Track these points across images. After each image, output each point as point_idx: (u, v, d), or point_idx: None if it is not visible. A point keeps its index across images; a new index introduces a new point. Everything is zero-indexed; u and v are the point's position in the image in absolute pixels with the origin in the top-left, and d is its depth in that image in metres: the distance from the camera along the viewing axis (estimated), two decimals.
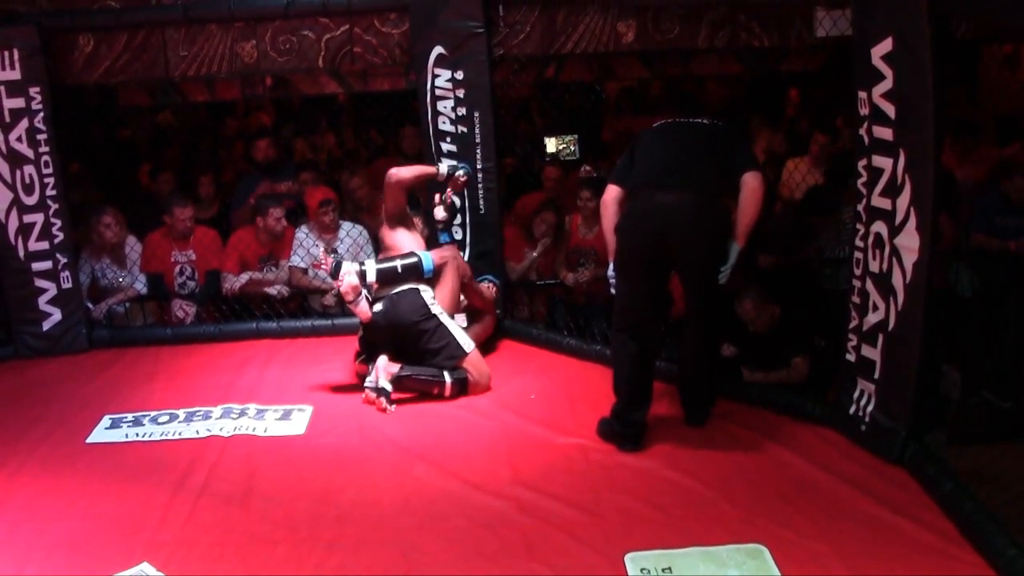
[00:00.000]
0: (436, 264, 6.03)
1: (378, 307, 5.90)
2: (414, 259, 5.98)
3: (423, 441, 5.25)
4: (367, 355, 6.04)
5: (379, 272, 5.92)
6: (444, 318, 5.91)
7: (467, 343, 5.89)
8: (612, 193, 5.24)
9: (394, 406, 5.60)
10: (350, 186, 7.98)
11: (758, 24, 6.11)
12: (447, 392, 5.72)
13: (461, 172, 6.34)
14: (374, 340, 5.99)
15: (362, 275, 5.85)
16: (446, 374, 5.73)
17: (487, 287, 6.55)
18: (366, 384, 5.72)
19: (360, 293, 5.81)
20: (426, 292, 5.95)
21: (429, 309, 5.88)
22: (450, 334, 5.86)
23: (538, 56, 6.73)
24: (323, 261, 5.88)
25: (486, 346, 6.39)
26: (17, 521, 4.54)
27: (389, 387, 5.62)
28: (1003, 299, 6.58)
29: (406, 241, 6.13)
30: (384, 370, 5.63)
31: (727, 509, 4.40)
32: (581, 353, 6.32)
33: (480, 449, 5.14)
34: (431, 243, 6.38)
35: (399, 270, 5.94)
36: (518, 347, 6.64)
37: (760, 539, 4.12)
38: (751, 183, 4.93)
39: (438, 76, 6.59)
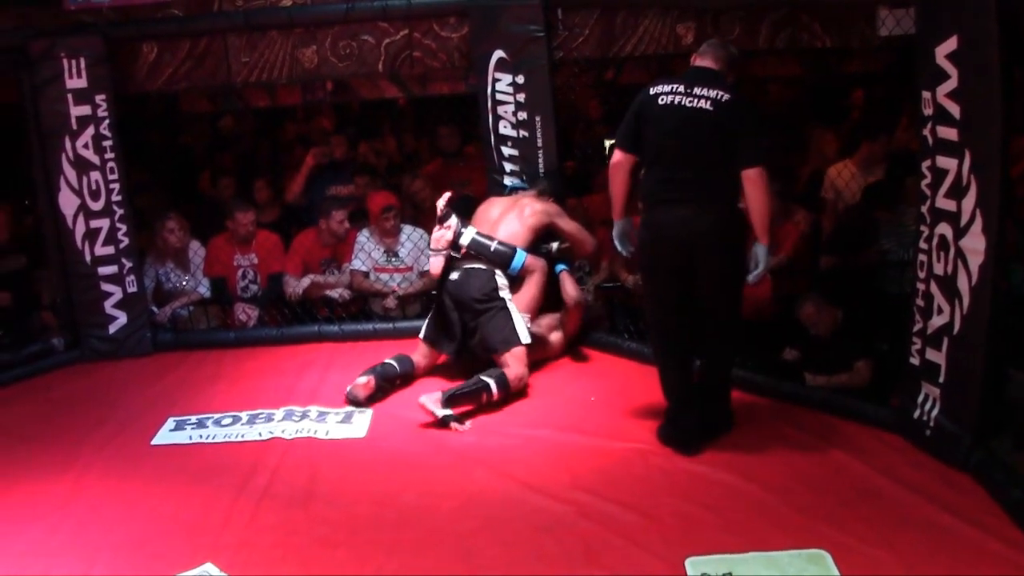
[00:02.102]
0: (526, 266, 6.11)
1: (454, 276, 6.00)
2: (509, 249, 6.07)
3: (482, 444, 5.26)
4: (428, 331, 6.18)
5: (474, 241, 6.03)
6: (511, 305, 5.94)
7: (525, 336, 5.89)
8: (617, 158, 5.13)
9: (468, 423, 5.54)
10: (412, 189, 8.01)
11: (820, 24, 6.04)
12: (495, 396, 5.68)
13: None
14: (439, 309, 6.08)
15: (458, 235, 5.99)
16: (486, 379, 5.68)
17: (570, 285, 6.43)
18: (437, 412, 5.55)
19: (447, 247, 5.98)
20: (501, 279, 6.00)
21: (498, 292, 5.94)
22: (511, 320, 5.89)
23: (597, 59, 6.73)
24: (444, 202, 6.06)
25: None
26: (84, 522, 4.61)
27: (448, 411, 5.51)
28: None
29: (507, 227, 6.22)
30: (431, 403, 5.51)
31: (788, 514, 4.36)
32: (641, 356, 6.26)
33: (539, 453, 5.13)
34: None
35: (491, 249, 6.05)
36: (578, 350, 6.61)
37: (821, 545, 4.07)
38: (750, 178, 4.79)
39: (499, 80, 6.61)
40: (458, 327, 6.01)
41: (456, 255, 6.03)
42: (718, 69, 4.99)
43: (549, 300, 6.43)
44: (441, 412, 5.47)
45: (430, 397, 5.52)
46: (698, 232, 4.81)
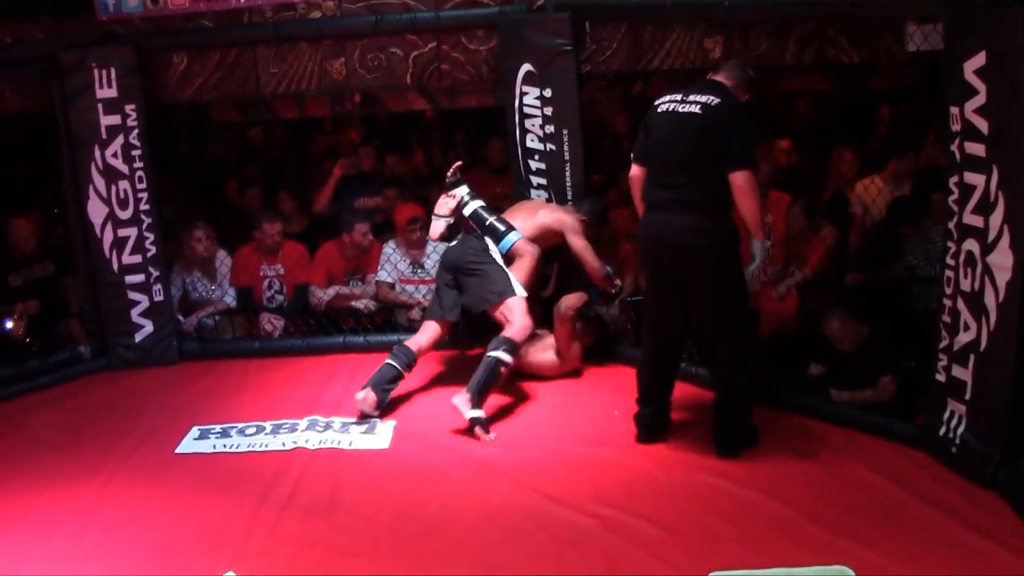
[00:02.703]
0: (516, 247, 6.14)
1: (452, 243, 6.14)
2: (505, 229, 6.14)
3: (505, 456, 5.26)
4: (428, 309, 6.35)
5: (474, 213, 6.15)
6: (501, 262, 6.02)
7: (519, 289, 5.92)
8: (635, 171, 5.23)
9: (493, 434, 5.54)
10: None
11: (847, 39, 6.02)
12: (511, 362, 5.74)
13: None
14: (448, 272, 6.16)
15: (462, 205, 6.12)
16: (494, 354, 5.67)
17: (574, 297, 6.39)
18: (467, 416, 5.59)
19: (449, 213, 6.14)
20: (492, 247, 6.07)
21: (489, 254, 6.02)
22: (504, 273, 5.96)
23: (625, 72, 6.72)
24: (452, 171, 6.27)
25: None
26: (109, 529, 4.65)
27: (478, 412, 5.55)
28: None
29: (520, 217, 6.34)
30: (463, 403, 5.53)
31: (812, 530, 4.34)
32: None
33: (562, 465, 5.13)
34: None
35: (486, 224, 6.13)
36: (600, 363, 6.59)
37: (845, 562, 4.03)
38: (736, 182, 4.79)
39: (526, 94, 6.62)
40: (452, 292, 6.09)
41: (456, 223, 6.20)
42: (727, 85, 5.05)
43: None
44: (470, 414, 5.51)
45: (461, 397, 5.55)
46: (685, 239, 4.87)
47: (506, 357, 5.68)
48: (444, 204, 6.17)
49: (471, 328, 6.19)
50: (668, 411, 5.36)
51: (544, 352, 6.30)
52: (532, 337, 6.12)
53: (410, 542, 4.42)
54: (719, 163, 4.82)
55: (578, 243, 6.36)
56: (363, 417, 5.80)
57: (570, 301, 6.25)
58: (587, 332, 6.43)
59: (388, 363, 5.95)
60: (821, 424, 5.46)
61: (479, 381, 5.60)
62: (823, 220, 6.95)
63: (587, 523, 4.49)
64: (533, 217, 6.36)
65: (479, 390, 5.58)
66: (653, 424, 5.30)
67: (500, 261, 6.03)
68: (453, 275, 6.08)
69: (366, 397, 5.79)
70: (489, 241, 6.09)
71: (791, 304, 6.26)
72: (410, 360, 5.98)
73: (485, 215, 6.16)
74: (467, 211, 6.14)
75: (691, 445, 5.19)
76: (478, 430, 5.50)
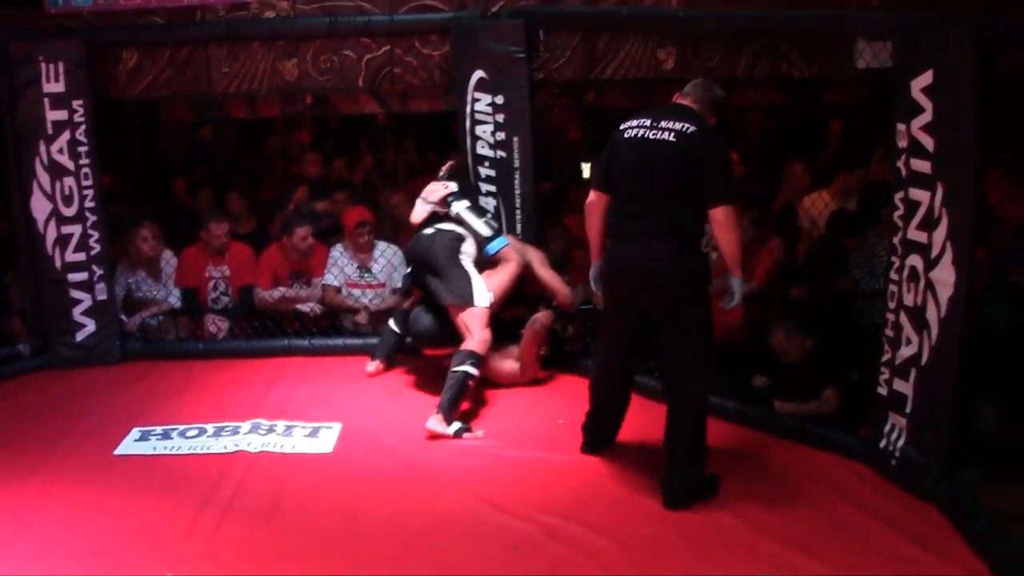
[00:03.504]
0: (502, 253, 6.15)
1: (428, 231, 6.09)
2: (492, 234, 6.15)
3: (451, 463, 5.24)
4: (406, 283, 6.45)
5: (460, 214, 6.13)
6: (469, 266, 5.98)
7: (482, 299, 5.88)
8: (591, 197, 5.02)
9: (481, 431, 5.62)
10: (391, 203, 8.01)
11: (799, 54, 6.09)
12: (478, 374, 5.76)
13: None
14: (411, 262, 6.27)
15: (450, 200, 6.14)
16: (459, 369, 5.67)
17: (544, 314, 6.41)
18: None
19: (437, 202, 6.17)
20: (467, 246, 6.05)
21: (459, 253, 5.99)
22: (471, 281, 5.92)
23: (578, 81, 6.74)
24: (448, 167, 6.37)
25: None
26: (47, 530, 4.57)
27: (456, 424, 5.59)
28: None
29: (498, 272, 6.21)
30: (438, 425, 5.55)
31: (757, 542, 4.36)
32: None
33: (509, 473, 5.12)
34: None
35: (472, 225, 6.11)
36: (550, 373, 6.60)
37: (788, 572, 4.08)
38: (716, 218, 4.63)
39: (478, 100, 6.60)
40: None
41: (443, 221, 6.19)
42: (696, 109, 4.84)
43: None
44: (452, 429, 5.54)
45: (434, 420, 5.57)
46: (658, 270, 4.65)
47: (473, 370, 5.69)
48: (434, 191, 6.18)
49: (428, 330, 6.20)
50: (617, 427, 5.31)
51: (505, 360, 6.28)
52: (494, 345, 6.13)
53: (354, 547, 4.38)
54: (692, 193, 4.64)
55: (546, 274, 6.40)
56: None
57: (543, 319, 6.25)
58: (543, 343, 6.42)
59: (391, 329, 6.57)
60: (765, 435, 5.50)
61: (450, 397, 5.62)
62: (771, 232, 7.01)
63: (533, 531, 4.47)
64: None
65: (450, 406, 5.61)
66: (599, 437, 5.27)
67: (469, 265, 5.99)
68: (417, 266, 6.11)
69: (377, 368, 6.45)
70: (468, 244, 6.06)
71: (737, 315, 6.29)
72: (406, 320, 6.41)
73: (473, 216, 6.15)
74: (454, 208, 6.13)
75: (638, 455, 5.19)
76: (466, 436, 5.54)
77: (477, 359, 5.74)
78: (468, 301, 5.85)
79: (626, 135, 4.82)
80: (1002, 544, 4.09)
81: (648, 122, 4.77)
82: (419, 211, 6.22)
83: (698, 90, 4.93)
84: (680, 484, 4.73)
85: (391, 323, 6.62)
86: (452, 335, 6.00)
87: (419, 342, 6.40)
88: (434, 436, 5.52)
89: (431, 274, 6.01)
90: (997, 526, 4.21)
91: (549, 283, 6.42)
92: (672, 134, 4.67)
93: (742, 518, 4.56)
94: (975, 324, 4.88)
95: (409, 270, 6.41)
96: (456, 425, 5.58)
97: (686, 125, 4.68)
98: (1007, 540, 4.09)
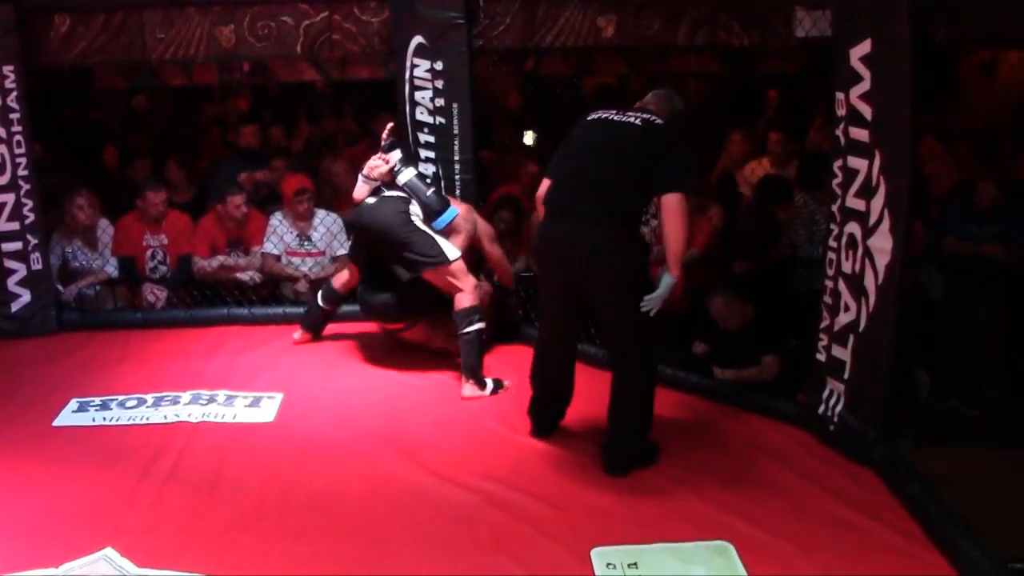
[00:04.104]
0: (453, 223, 6.06)
1: (370, 200, 5.96)
2: (441, 204, 6.01)
3: (393, 431, 5.24)
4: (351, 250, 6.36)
5: (411, 182, 5.99)
6: (424, 227, 5.86)
7: (452, 251, 5.82)
8: (543, 188, 4.92)
9: (507, 382, 5.77)
10: (332, 170, 7.95)
11: (738, 23, 6.12)
12: (485, 326, 5.83)
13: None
14: (356, 238, 6.19)
15: (396, 172, 5.95)
16: (466, 330, 5.70)
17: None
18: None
19: (380, 178, 5.99)
20: (414, 207, 5.92)
21: (409, 217, 5.85)
22: (433, 240, 5.82)
23: (518, 49, 6.71)
24: (387, 132, 6.10)
25: None
26: None
27: (489, 385, 5.70)
28: (971, 307, 6.63)
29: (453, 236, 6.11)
30: (471, 390, 5.67)
31: (695, 506, 4.41)
32: None
33: (450, 441, 5.13)
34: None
35: (426, 195, 5.98)
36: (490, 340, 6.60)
37: (726, 536, 4.14)
38: (667, 205, 4.52)
39: (417, 66, 6.55)
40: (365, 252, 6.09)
41: (384, 190, 6.02)
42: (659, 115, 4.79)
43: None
44: (488, 390, 5.67)
45: (467, 387, 5.67)
46: (584, 251, 4.57)
47: (480, 325, 5.74)
48: (375, 167, 5.98)
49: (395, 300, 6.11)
50: (562, 414, 5.19)
51: (443, 328, 6.25)
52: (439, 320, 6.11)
53: (296, 516, 4.37)
54: (643, 179, 4.57)
55: (493, 251, 6.39)
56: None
57: (484, 290, 6.25)
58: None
59: (314, 303, 6.51)
60: (705, 402, 5.56)
61: (470, 363, 5.70)
62: (710, 200, 7.06)
63: (474, 499, 4.49)
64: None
65: (474, 369, 5.70)
66: (544, 424, 5.15)
67: (423, 226, 5.87)
68: (365, 237, 6.00)
69: (302, 336, 6.48)
70: (414, 205, 5.94)
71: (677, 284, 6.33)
72: (331, 297, 6.39)
73: (422, 185, 6.02)
74: (401, 179, 5.96)
75: (580, 422, 5.21)
76: (500, 392, 5.69)
77: (478, 311, 5.75)
78: (443, 261, 5.76)
79: (589, 119, 4.81)
80: (934, 507, 4.17)
81: (614, 112, 4.76)
82: (361, 190, 6.03)
83: (661, 100, 4.90)
84: (622, 451, 4.77)
85: (318, 297, 6.49)
86: (409, 307, 6.03)
87: (379, 318, 6.31)
88: (471, 399, 5.63)
89: (385, 245, 5.88)
90: (930, 490, 4.29)
91: (495, 261, 6.43)
92: (639, 119, 4.66)
93: (682, 483, 4.62)
94: (911, 292, 4.96)
95: (351, 242, 6.34)
96: (489, 384, 5.69)
97: (653, 117, 4.69)
98: (939, 503, 4.18)
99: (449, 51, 6.47)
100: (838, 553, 4.04)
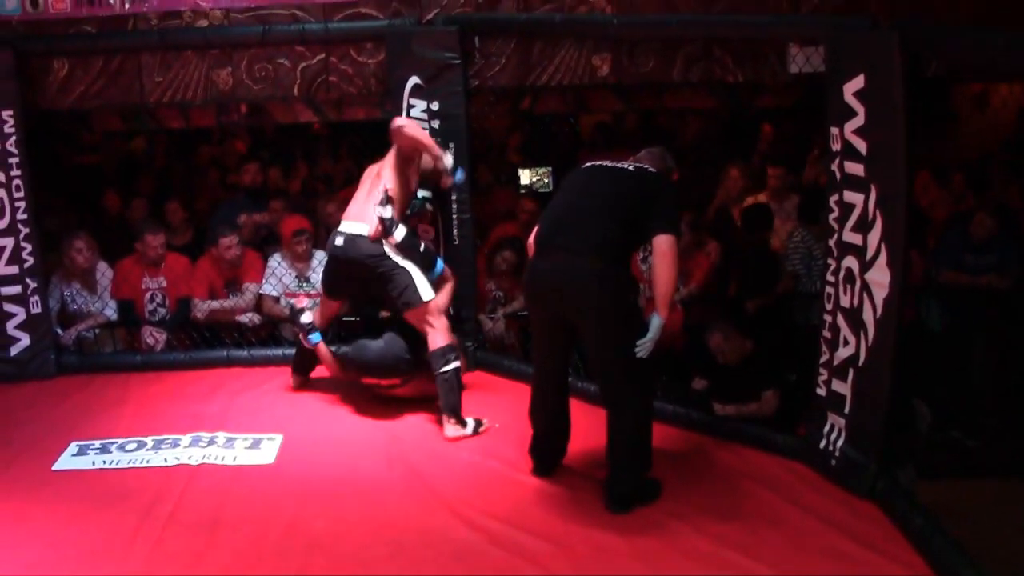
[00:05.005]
0: (444, 275, 6.11)
1: (338, 241, 5.92)
2: (433, 257, 6.07)
3: (392, 472, 5.23)
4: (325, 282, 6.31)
5: (407, 239, 5.92)
6: (401, 261, 5.85)
7: (427, 292, 5.84)
8: (534, 235, 4.96)
9: (497, 424, 5.75)
10: (326, 211, 7.98)
11: (732, 59, 6.15)
12: (461, 366, 5.84)
13: (429, 206, 6.42)
14: (334, 279, 6.14)
15: (388, 227, 5.83)
16: (441, 371, 5.70)
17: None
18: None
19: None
20: (387, 246, 5.87)
21: (384, 250, 5.84)
22: (410, 278, 5.83)
23: (513, 87, 6.75)
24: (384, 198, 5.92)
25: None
26: None
27: (471, 424, 5.69)
28: (970, 338, 6.64)
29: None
30: (453, 430, 5.65)
31: (697, 542, 4.40)
32: None
33: (450, 481, 5.11)
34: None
35: (421, 250, 6.00)
36: (489, 378, 6.62)
37: (729, 572, 4.13)
38: (659, 247, 4.61)
39: (414, 107, 6.59)
40: (347, 282, 6.09)
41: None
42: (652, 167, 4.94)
43: None
44: (469, 429, 5.67)
45: (449, 427, 5.66)
46: (568, 281, 4.63)
47: (456, 364, 5.74)
48: (379, 225, 5.85)
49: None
50: (563, 452, 5.17)
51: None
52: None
53: (296, 558, 4.36)
54: (633, 221, 4.66)
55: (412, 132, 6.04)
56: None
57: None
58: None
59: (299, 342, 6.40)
60: (705, 438, 5.55)
61: (450, 402, 5.69)
62: (708, 236, 7.08)
63: (475, 538, 4.48)
64: (384, 166, 6.09)
65: (454, 408, 5.68)
66: (546, 463, 5.14)
67: (400, 260, 5.85)
68: (340, 268, 5.99)
69: (295, 381, 6.49)
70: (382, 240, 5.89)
71: (676, 319, 6.34)
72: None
73: (413, 241, 6.00)
74: (398, 236, 5.85)
75: (581, 459, 5.20)
76: (481, 430, 5.68)
77: (453, 350, 5.77)
78: (419, 302, 5.79)
79: (583, 167, 4.98)
80: (938, 539, 4.16)
81: (609, 161, 4.94)
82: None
83: (654, 160, 5.03)
84: (623, 488, 4.76)
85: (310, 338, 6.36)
86: (418, 358, 5.97)
87: (380, 375, 6.13)
88: (455, 440, 5.62)
89: (360, 282, 5.94)
90: (933, 522, 4.28)
91: (427, 148, 6.11)
92: (632, 167, 4.86)
93: (683, 519, 4.60)
94: (910, 324, 4.97)
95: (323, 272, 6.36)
96: (471, 423, 5.68)
97: (648, 167, 4.88)
98: (943, 535, 4.16)
99: (445, 91, 6.51)
100: None
